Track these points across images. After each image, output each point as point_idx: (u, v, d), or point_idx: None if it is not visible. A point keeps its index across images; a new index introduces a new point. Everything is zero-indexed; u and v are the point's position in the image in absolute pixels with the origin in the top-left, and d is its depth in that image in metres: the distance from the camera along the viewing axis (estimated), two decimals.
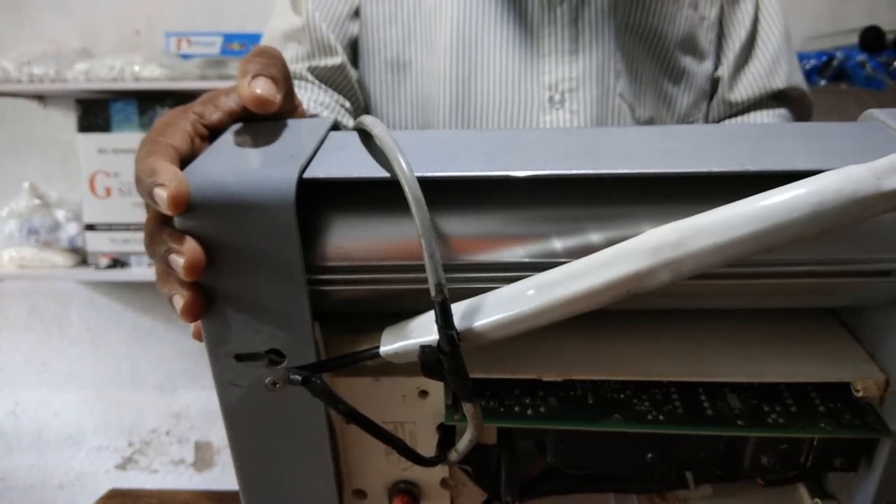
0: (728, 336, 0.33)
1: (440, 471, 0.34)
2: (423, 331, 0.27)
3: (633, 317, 0.35)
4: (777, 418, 0.30)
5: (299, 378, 0.27)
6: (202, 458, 1.59)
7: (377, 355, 0.28)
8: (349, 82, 0.58)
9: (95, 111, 1.34)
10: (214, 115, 0.31)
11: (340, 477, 0.34)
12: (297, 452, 0.31)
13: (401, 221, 0.28)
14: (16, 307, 1.54)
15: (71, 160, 1.40)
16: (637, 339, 0.33)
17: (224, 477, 1.58)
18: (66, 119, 1.43)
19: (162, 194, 0.25)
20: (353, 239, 0.28)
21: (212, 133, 0.31)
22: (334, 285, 0.28)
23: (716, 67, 0.61)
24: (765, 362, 0.31)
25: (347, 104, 0.58)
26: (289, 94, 0.32)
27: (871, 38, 1.14)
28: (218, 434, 1.58)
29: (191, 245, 0.26)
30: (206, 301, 0.27)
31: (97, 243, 1.36)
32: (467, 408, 0.27)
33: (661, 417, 0.30)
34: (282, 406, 0.29)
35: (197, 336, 0.29)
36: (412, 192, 0.25)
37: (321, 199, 0.29)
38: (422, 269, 0.25)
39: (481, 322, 0.25)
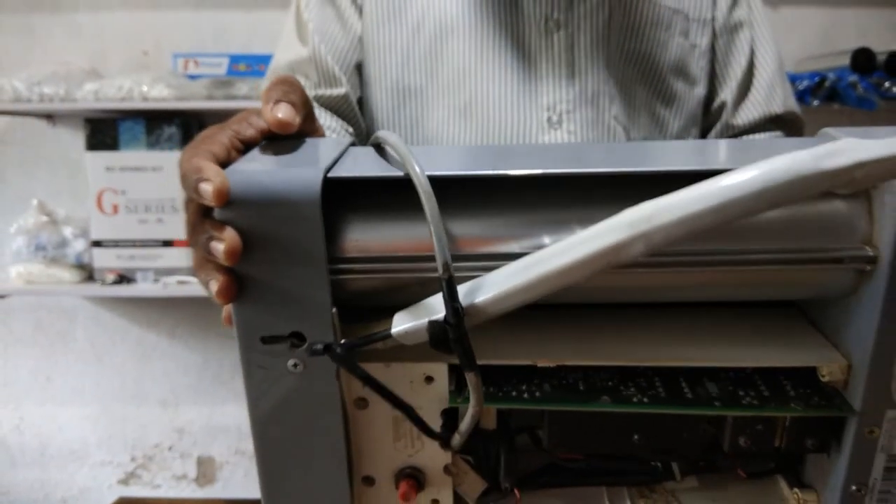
0: (706, 328, 0.37)
1: (443, 457, 0.36)
2: (430, 311, 0.30)
3: (619, 312, 0.38)
4: (751, 401, 0.33)
5: (321, 347, 0.30)
6: (204, 473, 1.59)
7: (389, 335, 0.31)
8: (352, 110, 0.61)
9: (104, 130, 1.37)
10: (248, 132, 0.35)
11: (351, 464, 0.36)
12: (314, 437, 0.33)
13: (411, 220, 0.32)
14: (21, 322, 1.55)
15: (79, 178, 1.42)
16: (623, 332, 0.37)
17: (226, 493, 1.58)
18: (75, 138, 1.46)
19: (207, 188, 0.29)
20: (369, 234, 0.32)
21: (245, 147, 0.35)
22: (352, 274, 0.32)
23: (709, 92, 0.63)
24: (739, 350, 0.35)
25: (351, 129, 0.61)
26: (309, 117, 0.36)
27: (863, 60, 1.17)
28: (220, 450, 1.58)
29: (230, 233, 0.29)
30: (239, 286, 0.30)
31: (104, 259, 1.39)
32: (470, 377, 0.30)
33: (645, 400, 0.33)
34: (301, 390, 0.32)
35: (227, 321, 0.32)
36: (422, 184, 0.29)
37: (342, 199, 0.32)
38: (429, 259, 0.29)
39: (482, 297, 0.29)
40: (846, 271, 0.32)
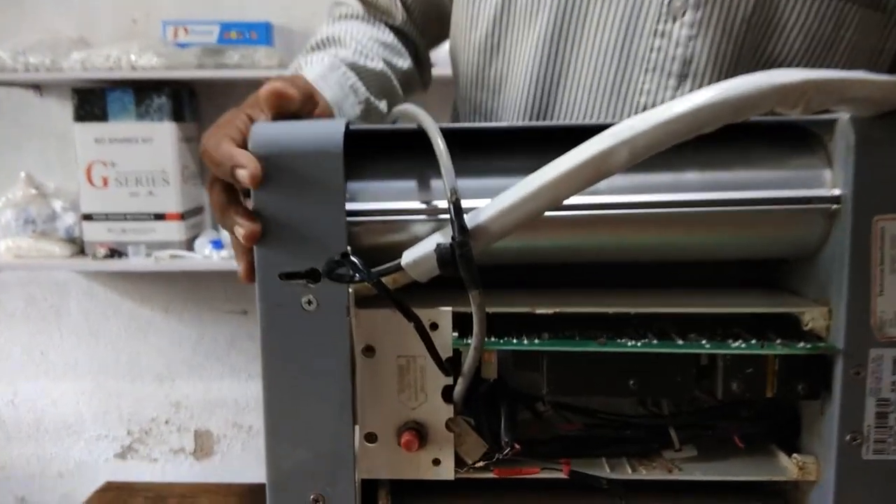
0: (696, 291, 0.40)
1: (445, 411, 0.36)
2: (435, 240, 0.32)
3: (612, 274, 0.40)
4: (739, 345, 0.36)
5: (336, 258, 0.33)
6: (202, 446, 1.59)
7: (399, 267, 0.33)
8: (391, 85, 0.59)
9: (92, 100, 1.34)
10: (261, 116, 0.38)
11: (355, 417, 0.36)
12: (322, 380, 0.35)
13: (419, 173, 0.36)
14: (13, 297, 1.54)
15: (67, 150, 1.40)
16: (617, 289, 0.39)
17: (224, 465, 1.59)
18: (63, 108, 1.43)
19: (244, 174, 0.33)
20: (381, 186, 0.36)
21: None
22: (365, 216, 0.35)
23: None
24: (727, 300, 0.38)
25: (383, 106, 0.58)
26: (309, 99, 0.40)
27: None
28: (217, 423, 1.58)
29: (253, 159, 0.33)
30: (262, 229, 0.34)
31: (94, 233, 1.37)
32: (473, 296, 0.32)
33: (638, 344, 0.35)
34: (313, 330, 0.34)
35: (245, 276, 0.36)
36: (429, 125, 0.33)
37: (357, 156, 0.36)
38: (433, 211, 0.34)
39: (485, 215, 0.31)
40: (816, 216, 0.35)
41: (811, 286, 0.37)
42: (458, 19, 0.58)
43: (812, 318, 0.35)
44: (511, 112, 0.55)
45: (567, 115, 0.54)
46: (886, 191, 0.33)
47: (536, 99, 0.54)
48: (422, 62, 0.65)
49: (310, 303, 0.34)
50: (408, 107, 0.37)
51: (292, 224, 0.34)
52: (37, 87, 1.44)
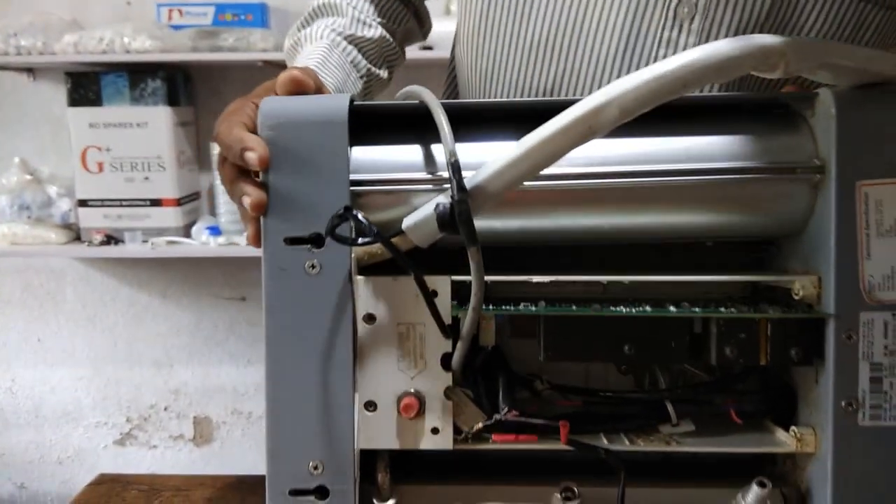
0: (686, 265, 0.40)
1: (444, 379, 0.36)
2: (435, 202, 0.33)
3: (607, 253, 0.41)
4: (731, 311, 0.36)
5: (339, 212, 0.33)
6: (201, 433, 1.59)
7: (401, 231, 0.34)
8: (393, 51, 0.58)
9: (86, 84, 1.33)
10: None
11: (355, 385, 0.36)
12: (325, 346, 0.35)
13: (422, 146, 0.37)
14: (9, 284, 1.53)
15: (62, 135, 1.39)
16: (612, 264, 0.39)
17: (223, 452, 1.59)
18: (57, 93, 1.41)
19: (252, 156, 0.35)
20: (382, 160, 0.37)
21: None
22: (368, 185, 0.36)
23: None
24: (718, 273, 0.38)
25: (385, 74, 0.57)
26: (319, 91, 0.41)
27: None
28: (216, 410, 1.58)
29: (261, 143, 0.35)
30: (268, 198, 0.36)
31: (90, 219, 1.36)
32: (472, 253, 0.32)
33: (633, 311, 0.36)
34: (317, 295, 0.35)
35: (253, 240, 0.37)
36: (430, 99, 0.34)
37: (359, 134, 0.37)
38: (432, 181, 0.36)
39: (483, 175, 0.32)
40: (802, 187, 0.36)
41: (800, 261, 0.38)
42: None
43: (802, 286, 0.36)
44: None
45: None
46: (868, 156, 0.34)
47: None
48: (420, 12, 0.64)
49: (313, 267, 0.35)
50: (411, 88, 0.38)
51: (298, 192, 0.35)
52: (30, 70, 1.43)
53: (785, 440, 0.37)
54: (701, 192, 0.36)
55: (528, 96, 0.51)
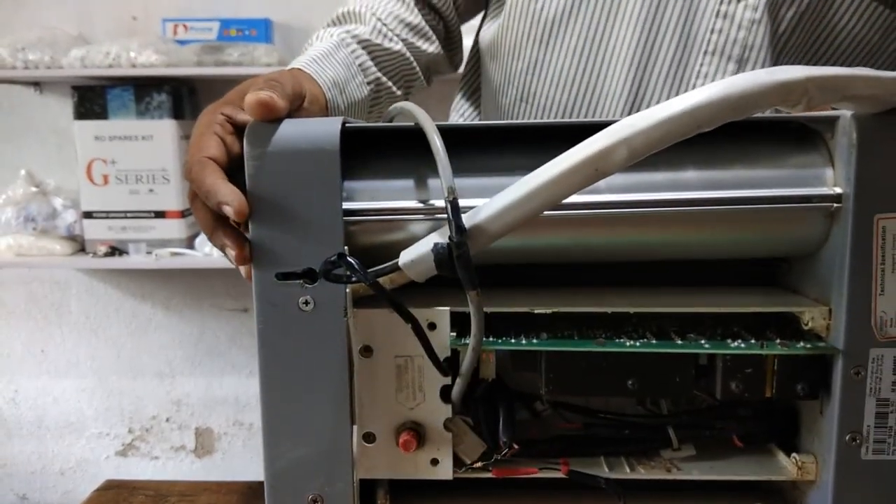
0: (695, 290, 0.40)
1: (443, 411, 0.36)
2: (432, 240, 0.32)
3: (611, 274, 0.40)
4: (738, 345, 0.35)
5: (332, 258, 0.32)
6: (203, 444, 1.59)
7: (397, 267, 0.32)
8: (410, 67, 0.57)
9: (92, 98, 1.34)
10: (240, 116, 0.37)
11: (353, 417, 0.36)
12: (320, 382, 0.34)
13: (417, 172, 0.35)
14: (14, 295, 1.54)
15: (68, 147, 1.40)
16: (616, 289, 0.39)
17: (225, 463, 1.59)
18: (63, 106, 1.43)
19: (230, 210, 0.33)
20: (377, 185, 0.36)
21: (239, 130, 0.36)
22: (362, 215, 0.35)
23: None
24: (725, 299, 0.37)
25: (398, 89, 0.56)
26: (296, 97, 0.39)
27: None
28: (218, 421, 1.58)
29: (238, 195, 0.33)
30: (250, 250, 0.34)
31: (95, 231, 1.36)
32: (471, 296, 0.32)
33: (637, 344, 0.35)
34: (311, 331, 0.34)
35: (247, 275, 0.35)
36: (427, 123, 0.32)
37: (353, 155, 0.35)
38: (430, 210, 0.34)
39: (483, 215, 0.31)
40: (817, 215, 0.34)
41: (811, 285, 0.37)
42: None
43: (812, 317, 0.35)
44: (553, 88, 0.53)
45: (614, 96, 0.51)
46: (888, 189, 0.33)
47: (580, 77, 0.52)
48: (452, 40, 0.62)
49: (307, 303, 0.34)
50: (405, 105, 0.37)
51: (289, 224, 0.33)
52: (37, 84, 1.44)
53: (786, 466, 0.37)
54: (714, 216, 0.35)
55: (579, 71, 0.51)
